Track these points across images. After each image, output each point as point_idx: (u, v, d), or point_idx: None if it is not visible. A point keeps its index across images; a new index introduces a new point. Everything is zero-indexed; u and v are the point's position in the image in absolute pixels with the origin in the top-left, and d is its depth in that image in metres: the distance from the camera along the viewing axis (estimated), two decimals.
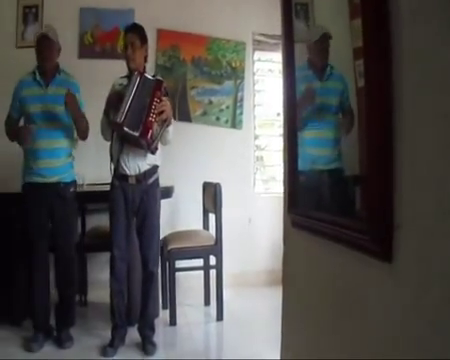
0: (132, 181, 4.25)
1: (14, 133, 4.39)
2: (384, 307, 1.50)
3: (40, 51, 4.32)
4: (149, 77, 4.19)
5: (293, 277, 2.52)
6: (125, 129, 4.01)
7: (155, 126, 4.08)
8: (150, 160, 4.27)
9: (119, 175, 4.28)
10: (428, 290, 1.28)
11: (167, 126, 4.18)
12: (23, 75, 4.41)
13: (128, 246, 4.41)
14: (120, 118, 4.00)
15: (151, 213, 4.35)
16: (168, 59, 6.32)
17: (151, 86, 4.11)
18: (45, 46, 4.30)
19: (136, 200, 4.28)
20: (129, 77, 4.22)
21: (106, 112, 4.25)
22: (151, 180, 4.32)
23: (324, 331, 2.02)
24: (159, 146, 4.27)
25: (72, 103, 4.28)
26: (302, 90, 2.35)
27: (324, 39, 2.05)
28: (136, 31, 4.29)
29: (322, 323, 2.05)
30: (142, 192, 4.28)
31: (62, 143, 4.40)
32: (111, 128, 4.25)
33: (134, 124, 4.01)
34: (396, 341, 1.43)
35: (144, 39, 4.31)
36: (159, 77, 4.33)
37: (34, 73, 4.35)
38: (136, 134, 4.01)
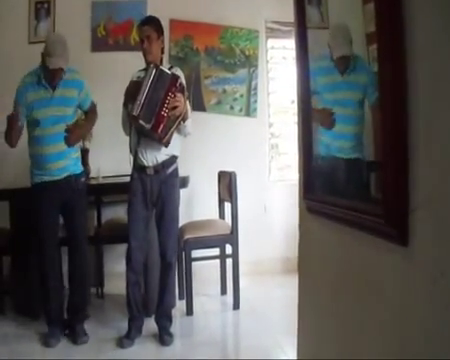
0: (150, 172, 4.26)
1: (18, 135, 4.28)
2: (400, 290, 1.50)
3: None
4: (165, 70, 4.17)
5: (308, 262, 2.53)
6: (140, 121, 4.03)
7: (167, 120, 4.08)
8: (168, 150, 4.26)
9: (138, 166, 4.29)
10: (444, 273, 1.27)
11: (183, 121, 4.18)
12: (26, 76, 4.29)
13: (146, 238, 4.42)
14: (136, 111, 4.02)
15: (170, 203, 4.35)
16: (181, 49, 6.31)
17: (167, 80, 4.10)
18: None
19: (154, 191, 4.29)
20: (146, 70, 4.21)
21: (125, 104, 4.25)
22: (169, 170, 4.32)
23: (340, 316, 2.03)
24: (178, 137, 4.27)
25: (75, 136, 4.38)
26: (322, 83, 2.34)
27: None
28: (152, 24, 4.28)
29: (338, 308, 2.05)
30: (160, 182, 4.29)
31: (66, 143, 4.37)
32: (129, 121, 4.26)
33: (148, 117, 4.03)
34: (412, 325, 1.43)
35: (160, 31, 4.30)
36: (176, 71, 4.29)
37: (38, 76, 4.23)
38: (148, 126, 4.04)
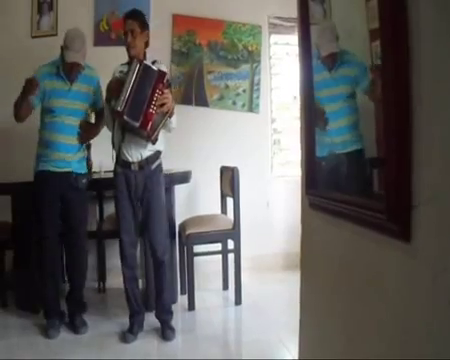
0: (134, 168, 4.22)
1: (28, 114, 4.30)
2: (402, 286, 1.50)
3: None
4: (150, 65, 4.12)
5: (311, 258, 2.53)
6: (125, 118, 3.99)
7: (155, 118, 4.05)
8: (152, 146, 4.23)
9: (122, 162, 4.26)
10: (447, 269, 1.28)
11: (169, 117, 4.15)
12: (45, 65, 4.36)
13: (137, 232, 4.41)
14: (120, 106, 3.97)
15: (155, 199, 4.33)
16: (184, 44, 6.31)
17: (153, 77, 4.05)
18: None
19: (139, 186, 4.26)
20: (129, 64, 4.16)
21: (108, 100, 4.22)
22: (154, 166, 4.29)
23: (342, 312, 2.03)
24: (162, 133, 4.24)
25: (88, 134, 4.55)
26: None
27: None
28: (135, 17, 4.22)
29: (340, 304, 2.05)
30: (145, 178, 4.26)
31: (78, 139, 4.44)
32: (113, 116, 4.23)
33: (135, 114, 3.99)
34: (414, 321, 1.43)
35: (144, 25, 4.25)
36: (161, 66, 4.24)
37: (58, 67, 4.32)
38: (136, 124, 4.00)
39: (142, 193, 4.28)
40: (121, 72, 4.24)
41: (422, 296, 1.39)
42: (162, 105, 4.05)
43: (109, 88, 4.19)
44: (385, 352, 1.62)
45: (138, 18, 4.23)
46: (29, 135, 4.50)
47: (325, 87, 2.28)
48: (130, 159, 4.22)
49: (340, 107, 2.17)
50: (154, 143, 4.16)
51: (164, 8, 6.12)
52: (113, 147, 4.33)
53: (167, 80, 4.15)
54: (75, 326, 4.44)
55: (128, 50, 4.22)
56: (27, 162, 4.57)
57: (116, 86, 4.11)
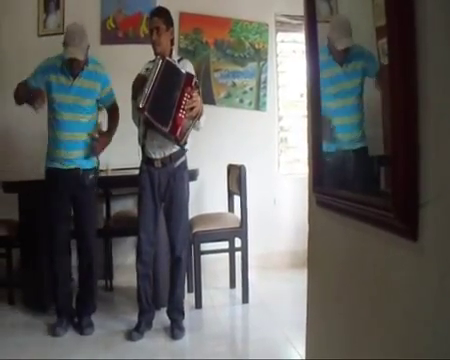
0: (158, 165, 4.23)
1: (24, 96, 4.30)
2: (409, 285, 1.49)
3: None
4: (173, 62, 4.12)
5: (318, 256, 2.52)
6: (146, 114, 3.96)
7: (184, 122, 4.03)
8: None
9: (146, 159, 4.28)
10: None
11: (198, 118, 4.13)
12: (51, 58, 4.36)
13: (156, 231, 4.41)
14: (142, 103, 3.95)
15: (178, 197, 4.32)
16: (191, 42, 6.31)
17: (181, 80, 4.03)
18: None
19: (162, 184, 4.26)
20: (154, 62, 4.15)
21: (133, 97, 4.21)
22: (178, 163, 4.28)
23: (349, 311, 2.02)
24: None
25: (102, 145, 4.45)
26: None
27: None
28: (161, 15, 4.24)
29: (347, 302, 2.05)
30: (169, 175, 4.26)
31: (83, 136, 4.38)
32: (138, 113, 4.22)
33: (163, 119, 3.97)
34: (421, 320, 1.42)
35: (169, 23, 4.26)
36: (186, 64, 4.26)
37: (62, 62, 4.29)
38: (165, 130, 3.97)
39: (165, 190, 4.28)
40: (147, 69, 4.23)
41: (429, 295, 1.38)
42: (191, 109, 4.03)
43: (134, 85, 4.20)
44: (392, 351, 1.61)
45: (163, 15, 4.26)
46: (36, 133, 4.52)
47: (336, 82, 2.27)
48: (153, 156, 4.24)
49: (350, 103, 2.16)
50: (183, 147, 4.16)
51: (171, 6, 6.03)
52: (139, 143, 4.34)
53: (195, 83, 4.13)
54: (81, 327, 4.43)
55: (154, 47, 4.22)
56: (34, 160, 4.59)
57: (140, 83, 4.10)
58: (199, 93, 4.19)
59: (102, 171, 5.22)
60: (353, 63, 2.09)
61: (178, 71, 4.08)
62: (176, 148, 4.25)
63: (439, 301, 1.33)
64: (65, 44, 4.20)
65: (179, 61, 4.25)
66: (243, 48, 6.44)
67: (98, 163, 4.58)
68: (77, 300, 4.58)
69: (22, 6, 5.95)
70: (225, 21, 6.37)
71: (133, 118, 4.39)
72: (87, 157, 4.42)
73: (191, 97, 4.03)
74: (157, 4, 5.75)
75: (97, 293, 4.73)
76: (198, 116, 4.11)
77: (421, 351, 1.42)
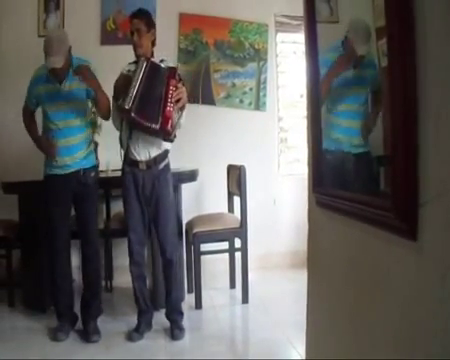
0: (142, 167, 4.21)
1: (31, 126, 4.45)
2: (409, 285, 1.49)
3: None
4: (157, 63, 4.12)
5: (318, 256, 2.52)
6: (133, 115, 3.94)
7: (174, 114, 4.03)
8: (160, 145, 4.22)
9: (129, 161, 4.25)
10: None
11: (182, 111, 4.14)
12: (37, 69, 4.31)
13: (146, 230, 4.41)
14: (128, 104, 3.92)
15: (164, 199, 4.30)
16: (190, 43, 6.31)
17: (164, 74, 4.05)
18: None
19: (147, 186, 4.24)
20: (137, 63, 4.14)
21: (115, 98, 4.18)
22: (162, 165, 4.27)
23: (349, 311, 2.02)
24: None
25: (85, 74, 4.14)
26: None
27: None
28: (141, 17, 4.21)
29: (347, 302, 2.05)
30: (153, 178, 4.24)
31: (81, 138, 4.36)
32: (120, 114, 4.18)
33: (152, 117, 3.96)
34: (422, 320, 1.42)
35: (150, 24, 4.23)
36: (168, 63, 4.26)
37: (48, 71, 4.20)
38: (156, 127, 3.96)
39: (150, 193, 4.26)
40: (129, 71, 4.20)
41: (429, 294, 1.38)
42: (178, 100, 4.04)
43: (116, 86, 4.17)
44: (393, 351, 1.62)
45: (144, 17, 4.22)
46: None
47: (347, 84, 2.25)
48: (138, 158, 4.21)
49: (357, 108, 2.15)
50: (172, 141, 4.16)
51: (171, 7, 6.13)
52: (121, 146, 4.31)
53: (178, 74, 4.15)
54: (87, 332, 4.33)
55: (135, 49, 4.21)
56: (34, 161, 4.58)
57: (124, 83, 4.07)
58: (183, 84, 4.21)
59: (102, 171, 5.23)
60: (365, 69, 2.08)
61: (162, 70, 4.09)
62: (161, 150, 4.24)
63: (439, 300, 1.33)
64: (45, 54, 4.08)
65: (161, 62, 4.21)
66: (243, 48, 6.44)
67: (98, 162, 4.57)
68: (82, 303, 4.51)
69: (22, 6, 5.95)
70: (225, 21, 6.37)
71: (113, 121, 4.34)
72: (87, 156, 4.41)
73: (177, 88, 4.04)
74: (157, 5, 5.77)
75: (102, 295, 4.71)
76: (184, 108, 4.12)
77: (421, 351, 1.43)
